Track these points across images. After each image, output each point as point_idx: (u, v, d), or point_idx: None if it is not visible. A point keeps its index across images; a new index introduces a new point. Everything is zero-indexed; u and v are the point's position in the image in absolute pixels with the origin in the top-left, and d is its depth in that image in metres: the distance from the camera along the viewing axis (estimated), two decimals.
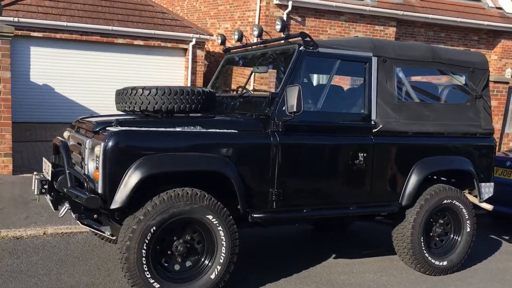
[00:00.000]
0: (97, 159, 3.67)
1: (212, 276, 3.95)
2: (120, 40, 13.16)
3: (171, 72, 14.05)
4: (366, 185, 4.71)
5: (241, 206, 4.07)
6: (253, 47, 5.21)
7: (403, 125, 4.86)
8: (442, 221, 5.20)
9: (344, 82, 8.62)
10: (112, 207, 3.65)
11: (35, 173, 4.29)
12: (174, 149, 3.86)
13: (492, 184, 5.48)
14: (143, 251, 3.67)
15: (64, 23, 12.60)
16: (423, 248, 4.97)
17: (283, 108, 4.20)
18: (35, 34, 12.61)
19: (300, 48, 4.40)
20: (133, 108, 4.21)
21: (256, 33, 4.77)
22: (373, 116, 4.73)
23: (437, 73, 5.30)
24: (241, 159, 4.11)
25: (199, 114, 4.44)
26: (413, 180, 4.90)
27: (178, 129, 3.94)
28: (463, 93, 5.38)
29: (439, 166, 5.08)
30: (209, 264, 3.98)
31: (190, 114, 4.33)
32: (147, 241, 3.68)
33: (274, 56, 4.87)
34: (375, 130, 4.71)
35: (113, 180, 3.65)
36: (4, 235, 5.27)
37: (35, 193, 4.10)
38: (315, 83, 5.55)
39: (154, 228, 3.70)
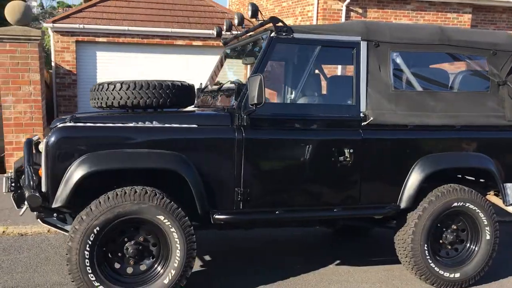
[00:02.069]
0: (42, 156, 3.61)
1: (166, 281, 3.72)
2: (180, 42, 13.36)
3: (231, 71, 14.01)
4: (354, 184, 4.22)
5: (199, 207, 3.79)
6: (243, 37, 4.90)
7: (401, 117, 4.29)
8: (455, 227, 4.54)
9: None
10: (53, 206, 3.56)
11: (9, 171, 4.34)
12: (123, 145, 3.68)
13: None
14: (86, 252, 3.53)
15: (126, 28, 13.04)
16: (427, 256, 4.35)
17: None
18: (100, 39, 13.16)
19: (272, 35, 4.04)
20: (101, 104, 4.11)
21: (236, 21, 4.46)
22: (362, 108, 4.22)
23: (447, 58, 4.61)
24: (201, 155, 3.84)
25: (174, 109, 4.22)
26: (413, 180, 4.31)
27: (130, 124, 3.76)
28: (482, 79, 4.65)
29: (446, 164, 4.42)
30: (163, 268, 3.76)
31: (165, 109, 4.12)
32: (90, 242, 3.54)
33: (254, 45, 4.54)
34: (365, 123, 4.20)
35: (55, 177, 3.56)
36: (10, 232, 5.45)
37: (3, 191, 4.13)
38: (297, 72, 5.08)
39: (98, 228, 3.54)
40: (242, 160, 3.90)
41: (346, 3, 12.69)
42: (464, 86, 4.60)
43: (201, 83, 5.37)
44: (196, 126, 3.86)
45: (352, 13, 13.06)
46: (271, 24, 4.04)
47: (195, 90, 4.55)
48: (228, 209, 3.92)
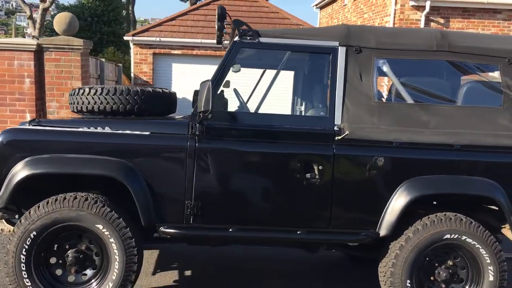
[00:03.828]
0: None
1: None
2: None
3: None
4: (324, 205, 3.77)
5: (142, 218, 3.61)
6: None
7: (384, 132, 3.78)
8: (451, 263, 3.89)
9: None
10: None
11: None
12: (69, 150, 3.63)
13: None
14: (22, 256, 3.50)
15: (199, 40, 13.35)
16: None
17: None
18: (175, 51, 13.62)
19: (235, 39, 3.79)
20: (74, 108, 4.14)
21: (216, 25, 4.24)
22: (337, 120, 3.78)
23: (448, 66, 3.96)
24: (150, 164, 3.66)
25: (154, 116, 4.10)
26: (395, 204, 3.76)
27: (80, 129, 3.71)
28: (493, 92, 3.95)
29: (438, 188, 3.80)
30: (101, 280, 3.63)
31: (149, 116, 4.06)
32: (26, 246, 3.50)
33: None
34: (339, 137, 3.76)
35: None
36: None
37: None
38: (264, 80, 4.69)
39: (35, 233, 3.50)
40: (194, 171, 3.67)
41: (425, 12, 11.86)
42: (469, 99, 3.94)
43: None
44: (149, 133, 3.71)
45: (432, 24, 12.17)
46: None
47: (175, 97, 4.41)
48: (177, 222, 3.70)
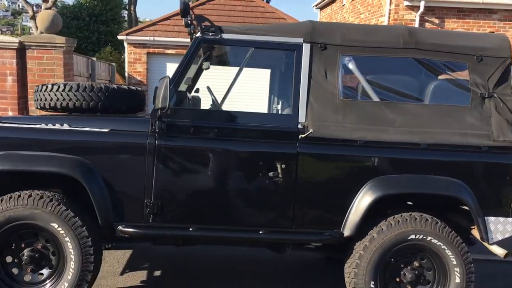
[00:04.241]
0: None
1: None
2: None
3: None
4: (287, 205, 3.70)
5: (99, 217, 3.55)
6: None
7: (348, 130, 3.70)
8: (417, 264, 3.81)
9: None
10: None
11: None
12: (25, 147, 3.56)
13: (511, 220, 3.81)
14: None
15: None
16: None
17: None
18: (169, 51, 13.58)
19: (197, 35, 3.73)
20: (38, 105, 4.11)
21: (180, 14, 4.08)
22: (301, 118, 3.71)
23: (416, 64, 3.87)
24: (109, 162, 3.61)
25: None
26: (360, 204, 3.69)
27: (39, 126, 3.66)
28: (461, 90, 3.87)
29: (402, 188, 3.72)
30: (57, 279, 3.57)
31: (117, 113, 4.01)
32: None
33: None
34: (303, 136, 3.69)
35: None
36: None
37: None
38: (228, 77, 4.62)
39: None
40: (154, 170, 3.61)
41: (419, 12, 11.77)
42: (437, 98, 3.85)
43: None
44: (108, 130, 3.65)
45: (427, 24, 12.08)
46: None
47: (143, 95, 4.37)
48: (136, 221, 3.64)
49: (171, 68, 13.83)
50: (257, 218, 3.72)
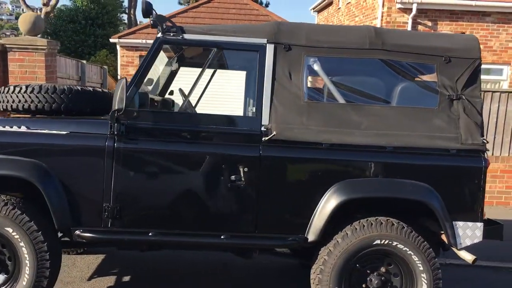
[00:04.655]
0: None
1: None
2: None
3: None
4: (250, 209, 3.62)
5: (55, 221, 3.48)
6: None
7: (313, 133, 3.62)
8: (384, 270, 3.72)
9: None
10: None
11: None
12: None
13: (480, 224, 3.72)
14: None
15: None
16: None
17: (128, 107, 3.54)
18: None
19: (158, 35, 3.67)
20: (0, 107, 4.06)
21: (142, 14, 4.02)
22: (264, 121, 3.64)
23: (382, 65, 3.79)
24: (66, 165, 3.54)
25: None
26: (324, 208, 3.60)
27: None
28: (428, 92, 3.80)
29: (367, 192, 3.64)
30: (12, 285, 3.50)
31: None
32: None
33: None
34: (266, 138, 3.61)
35: None
36: None
37: None
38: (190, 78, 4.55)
39: None
40: (113, 173, 3.54)
41: (412, 15, 11.69)
42: (404, 100, 3.77)
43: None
44: (66, 132, 3.58)
45: (420, 26, 11.99)
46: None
47: (109, 97, 4.29)
48: (94, 226, 3.57)
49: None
50: (219, 223, 3.64)
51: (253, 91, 4.55)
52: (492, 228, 3.80)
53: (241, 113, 4.54)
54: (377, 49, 3.71)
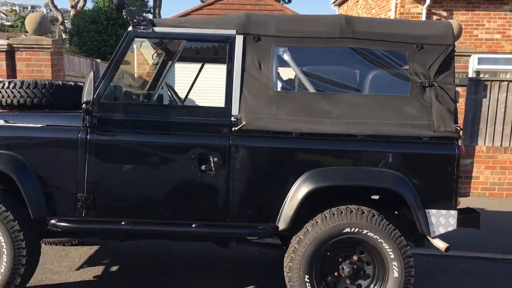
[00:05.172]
0: None
1: None
2: None
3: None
4: (220, 198, 3.67)
5: (31, 211, 3.60)
6: None
7: (283, 122, 3.64)
8: (356, 258, 3.71)
9: None
10: None
11: None
12: None
13: (454, 212, 3.66)
14: None
15: None
16: None
17: (100, 100, 3.65)
18: None
19: (129, 29, 3.75)
20: None
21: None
22: (234, 111, 3.67)
23: (353, 54, 3.76)
24: (41, 157, 3.66)
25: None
26: (294, 197, 3.62)
27: None
28: (400, 80, 3.76)
29: (337, 180, 3.63)
30: None
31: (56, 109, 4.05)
32: None
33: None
34: (236, 128, 3.65)
35: None
36: None
37: None
38: (161, 70, 4.56)
39: None
40: (86, 164, 3.64)
41: (426, 5, 11.47)
42: (375, 88, 3.75)
43: None
44: (42, 125, 3.71)
45: (434, 17, 11.77)
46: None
47: None
48: (69, 216, 3.68)
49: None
50: (191, 212, 3.71)
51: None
52: (467, 217, 3.74)
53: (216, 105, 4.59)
54: (347, 37, 3.69)
